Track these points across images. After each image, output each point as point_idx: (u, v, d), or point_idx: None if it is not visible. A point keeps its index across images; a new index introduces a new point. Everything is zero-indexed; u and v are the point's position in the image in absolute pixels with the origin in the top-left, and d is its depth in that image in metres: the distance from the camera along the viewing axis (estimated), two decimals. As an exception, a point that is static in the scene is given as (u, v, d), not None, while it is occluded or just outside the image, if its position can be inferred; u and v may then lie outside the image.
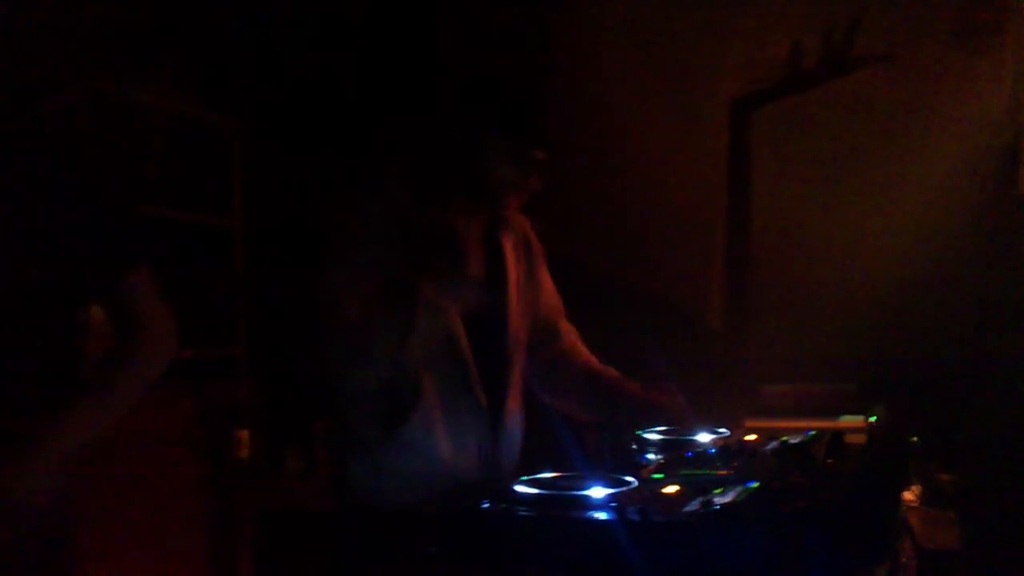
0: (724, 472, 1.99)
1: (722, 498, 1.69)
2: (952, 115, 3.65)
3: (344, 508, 2.29)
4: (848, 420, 2.62)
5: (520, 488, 1.86)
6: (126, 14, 4.21)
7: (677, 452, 2.18)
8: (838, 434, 2.18)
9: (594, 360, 2.57)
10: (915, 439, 2.80)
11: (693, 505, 1.69)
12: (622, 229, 3.98)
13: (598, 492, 1.80)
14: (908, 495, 2.69)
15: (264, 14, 4.36)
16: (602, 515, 1.72)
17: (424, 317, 2.11)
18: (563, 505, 1.79)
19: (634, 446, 2.30)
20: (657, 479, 1.98)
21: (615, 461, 2.20)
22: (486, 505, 1.84)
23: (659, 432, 2.36)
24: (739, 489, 1.74)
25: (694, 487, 1.82)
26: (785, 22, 3.90)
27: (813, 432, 2.21)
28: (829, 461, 2.03)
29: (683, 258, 3.96)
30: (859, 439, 2.37)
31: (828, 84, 3.88)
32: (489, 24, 4.07)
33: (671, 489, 1.84)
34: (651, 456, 2.22)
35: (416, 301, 2.10)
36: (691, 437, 2.34)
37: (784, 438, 2.17)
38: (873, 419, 2.62)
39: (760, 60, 3.98)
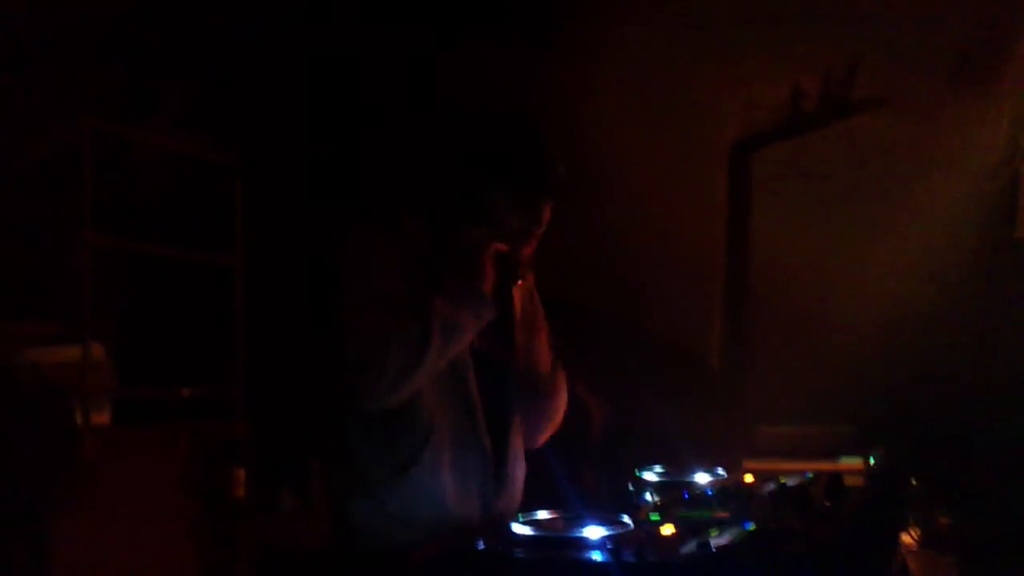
0: (721, 514, 1.98)
1: (718, 540, 1.68)
2: (950, 157, 3.67)
3: (344, 549, 2.27)
4: (847, 461, 2.61)
5: (516, 529, 1.85)
6: (126, 54, 4.25)
7: (674, 493, 2.18)
8: (836, 476, 2.17)
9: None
10: (914, 481, 2.78)
11: (689, 546, 1.68)
12: (622, 269, 3.98)
13: (594, 533, 1.79)
14: (907, 538, 2.67)
15: (265, 52, 4.39)
16: (598, 556, 1.71)
17: (440, 334, 2.10)
18: (559, 546, 1.79)
19: (631, 487, 2.29)
20: (654, 520, 1.97)
21: (612, 502, 2.19)
22: (482, 546, 1.84)
23: (657, 473, 2.35)
24: (735, 531, 1.74)
25: (690, 528, 1.81)
26: (785, 66, 3.92)
27: (811, 474, 2.21)
28: (827, 503, 2.02)
29: (683, 298, 3.96)
30: (857, 481, 2.36)
31: (828, 126, 3.90)
32: (488, 68, 4.10)
33: (667, 530, 1.83)
34: (648, 497, 2.22)
35: (432, 316, 2.10)
36: (689, 478, 2.33)
37: (782, 480, 2.16)
38: (872, 461, 2.60)
39: (760, 103, 4.00)
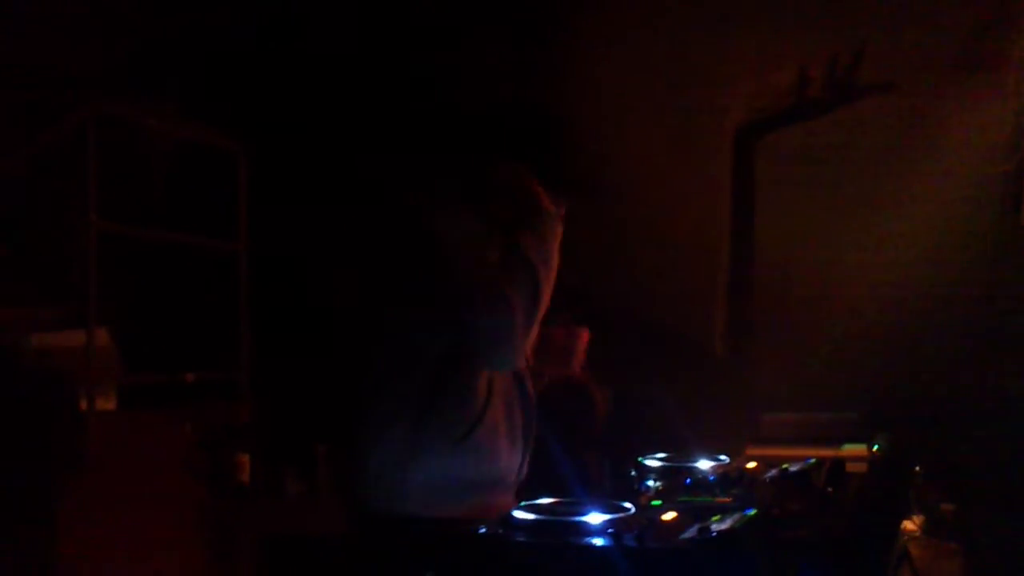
0: (723, 499, 1.98)
1: (719, 525, 1.68)
2: (956, 144, 3.65)
3: (372, 525, 2.25)
4: (850, 449, 2.61)
5: (518, 513, 1.85)
6: (132, 38, 4.25)
7: (676, 479, 2.18)
8: (838, 462, 2.17)
9: None
10: (918, 469, 2.79)
11: (690, 532, 1.69)
12: (625, 256, 3.98)
13: (595, 518, 1.79)
14: (910, 525, 2.68)
15: (271, 39, 4.39)
16: (599, 541, 1.72)
17: (542, 265, 2.14)
18: (560, 531, 1.79)
19: (634, 473, 2.29)
20: (655, 506, 1.97)
21: (614, 487, 2.20)
22: (483, 530, 1.84)
23: (659, 459, 2.36)
24: (737, 516, 1.74)
25: (692, 514, 1.82)
26: (790, 50, 3.90)
27: (813, 460, 2.21)
28: (829, 489, 2.02)
29: (686, 284, 3.96)
30: (860, 468, 2.36)
31: (833, 112, 3.88)
32: (491, 58, 4.09)
33: (669, 516, 1.83)
34: (650, 483, 2.22)
35: (528, 252, 2.13)
36: (692, 464, 2.33)
37: (784, 466, 2.16)
38: (876, 448, 2.60)
39: (765, 88, 3.98)
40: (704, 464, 2.34)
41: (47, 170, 4.08)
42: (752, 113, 4.02)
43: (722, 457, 2.42)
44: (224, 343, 4.33)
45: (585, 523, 1.78)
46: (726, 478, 2.13)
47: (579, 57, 4.01)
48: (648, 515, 1.86)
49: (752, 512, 1.77)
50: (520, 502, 1.94)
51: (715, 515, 1.77)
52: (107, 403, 3.83)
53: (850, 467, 2.26)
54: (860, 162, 3.83)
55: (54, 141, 4.02)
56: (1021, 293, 3.57)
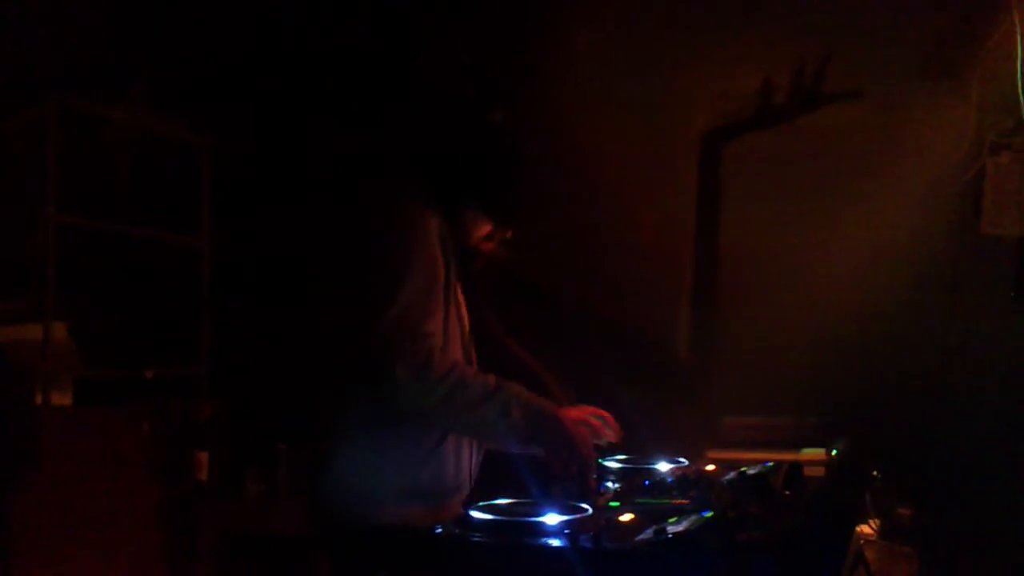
0: (680, 501, 1.99)
1: (676, 527, 1.69)
2: (919, 152, 3.68)
3: (333, 528, 2.23)
4: (809, 453, 2.62)
5: (475, 514, 1.85)
6: (97, 30, 4.20)
7: (635, 480, 2.18)
8: (796, 466, 2.18)
9: None
10: (876, 473, 2.80)
11: (646, 533, 1.69)
12: (590, 258, 3.98)
13: (552, 519, 1.79)
14: (867, 529, 2.69)
15: (237, 32, 4.36)
16: (556, 542, 1.72)
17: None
18: (517, 531, 1.79)
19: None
20: (613, 507, 1.97)
21: (573, 488, 2.19)
22: (439, 530, 1.83)
23: (619, 460, 2.36)
24: (694, 518, 1.74)
25: (649, 515, 1.82)
26: (756, 57, 3.92)
27: (771, 463, 2.22)
28: (786, 492, 2.03)
29: (651, 288, 3.96)
30: (818, 471, 2.38)
31: (798, 118, 3.90)
32: (460, 54, 4.09)
33: (626, 517, 1.83)
34: (609, 484, 2.22)
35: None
36: (651, 466, 2.34)
37: (743, 469, 2.17)
38: (834, 452, 2.62)
39: (731, 94, 4.00)
40: (663, 466, 2.34)
41: (6, 161, 4.03)
42: (718, 118, 4.04)
43: (681, 459, 2.42)
44: (185, 340, 4.30)
45: (542, 524, 1.78)
46: (684, 480, 2.13)
47: (546, 62, 4.01)
48: (605, 516, 1.86)
49: (708, 514, 1.77)
50: (476, 503, 1.94)
51: (672, 517, 1.77)
52: (63, 398, 3.79)
53: (808, 471, 2.26)
54: (824, 169, 3.85)
55: (14, 133, 3.98)
56: (981, 299, 3.60)
